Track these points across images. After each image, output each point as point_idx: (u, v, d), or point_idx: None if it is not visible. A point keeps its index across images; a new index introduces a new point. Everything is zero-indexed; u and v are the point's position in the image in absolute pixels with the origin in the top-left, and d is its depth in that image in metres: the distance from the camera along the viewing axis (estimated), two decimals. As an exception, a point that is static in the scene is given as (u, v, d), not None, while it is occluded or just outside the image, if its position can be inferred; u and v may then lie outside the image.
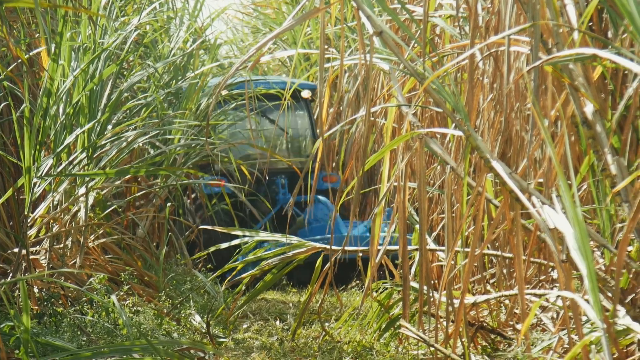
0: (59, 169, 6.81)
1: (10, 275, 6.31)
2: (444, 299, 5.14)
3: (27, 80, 6.42)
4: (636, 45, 4.21)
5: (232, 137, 11.04)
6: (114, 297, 5.98)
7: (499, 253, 5.89)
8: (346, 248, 5.95)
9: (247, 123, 10.80)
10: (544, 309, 5.83)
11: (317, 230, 10.80)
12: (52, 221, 7.00)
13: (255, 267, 6.50)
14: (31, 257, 6.44)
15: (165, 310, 7.06)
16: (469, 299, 5.50)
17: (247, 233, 6.67)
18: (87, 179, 7.04)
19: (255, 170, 10.31)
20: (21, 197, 7.20)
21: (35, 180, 6.29)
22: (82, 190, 7.10)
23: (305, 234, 10.58)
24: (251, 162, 10.72)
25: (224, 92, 10.23)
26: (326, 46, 5.00)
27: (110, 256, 7.75)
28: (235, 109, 10.64)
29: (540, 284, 6.17)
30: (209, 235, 10.28)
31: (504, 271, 6.36)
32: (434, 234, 7.95)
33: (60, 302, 6.49)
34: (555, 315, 5.73)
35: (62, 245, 7.09)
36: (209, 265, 8.85)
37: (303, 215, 10.96)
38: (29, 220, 6.46)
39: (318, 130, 11.86)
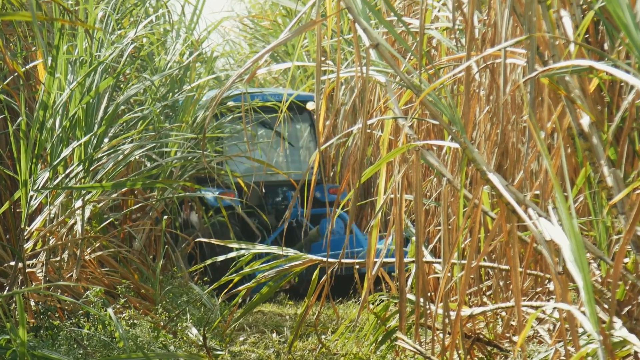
0: (55, 182, 6.81)
1: (7, 288, 6.30)
2: (440, 311, 5.13)
3: (23, 94, 6.42)
4: (632, 57, 4.21)
5: (231, 150, 10.99)
6: (110, 310, 5.96)
7: (495, 265, 5.89)
8: (343, 261, 5.94)
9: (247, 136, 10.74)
10: (540, 320, 5.82)
11: (334, 243, 10.56)
12: (48, 234, 6.99)
13: (253, 279, 6.49)
14: (28, 270, 6.44)
15: (161, 323, 7.05)
16: (466, 311, 5.49)
17: (243, 245, 6.66)
18: (83, 192, 7.03)
19: (260, 183, 10.23)
20: (18, 210, 7.18)
21: (31, 193, 6.29)
22: (79, 203, 7.09)
23: (321, 247, 10.35)
24: (255, 174, 10.58)
25: (223, 104, 10.20)
26: (323, 58, 5.00)
27: (106, 269, 7.74)
28: (232, 122, 10.60)
29: (536, 296, 6.16)
30: (211, 248, 10.19)
31: (501, 283, 6.36)
32: (431, 246, 7.94)
33: (56, 315, 6.48)
34: (551, 327, 5.72)
35: (58, 258, 7.09)
36: (206, 278, 8.83)
37: (318, 229, 10.70)
38: (25, 234, 6.45)
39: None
